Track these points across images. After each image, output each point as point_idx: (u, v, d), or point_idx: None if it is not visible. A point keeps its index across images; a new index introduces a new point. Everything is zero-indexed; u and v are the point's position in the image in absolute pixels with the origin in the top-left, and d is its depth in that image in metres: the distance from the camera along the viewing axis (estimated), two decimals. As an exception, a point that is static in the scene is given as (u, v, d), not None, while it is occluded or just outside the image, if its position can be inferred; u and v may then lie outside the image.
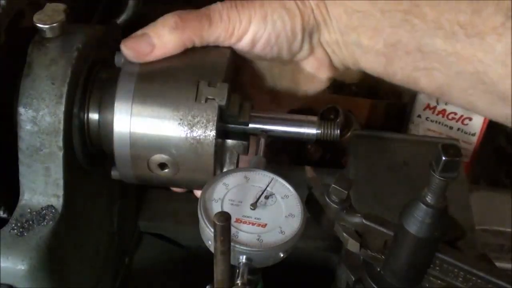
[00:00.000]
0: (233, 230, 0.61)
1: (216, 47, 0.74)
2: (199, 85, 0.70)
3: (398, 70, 0.72)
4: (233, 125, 0.74)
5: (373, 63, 0.73)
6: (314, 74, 0.79)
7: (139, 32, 0.72)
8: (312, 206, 0.67)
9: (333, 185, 0.65)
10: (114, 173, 0.76)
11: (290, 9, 0.73)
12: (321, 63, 0.78)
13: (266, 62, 0.80)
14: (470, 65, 0.65)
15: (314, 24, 0.74)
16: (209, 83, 0.70)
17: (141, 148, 0.71)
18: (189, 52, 0.73)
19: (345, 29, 0.73)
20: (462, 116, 1.13)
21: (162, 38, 0.71)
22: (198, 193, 0.81)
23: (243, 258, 0.62)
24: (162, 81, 0.71)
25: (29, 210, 0.69)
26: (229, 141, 0.75)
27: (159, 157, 0.71)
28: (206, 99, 0.69)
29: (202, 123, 0.69)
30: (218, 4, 0.73)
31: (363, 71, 0.76)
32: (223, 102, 0.69)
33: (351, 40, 0.73)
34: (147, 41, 0.71)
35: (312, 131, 0.75)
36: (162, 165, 0.72)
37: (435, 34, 0.66)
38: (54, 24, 0.69)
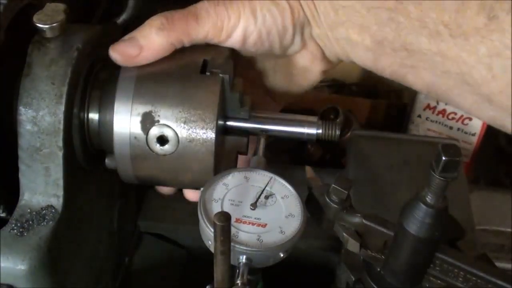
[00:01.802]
0: (233, 230, 0.61)
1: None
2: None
3: (386, 66, 0.72)
4: (233, 122, 0.74)
5: (363, 58, 0.74)
6: (308, 67, 0.79)
7: (127, 36, 0.72)
8: (312, 206, 0.67)
9: (333, 185, 0.65)
10: (108, 162, 0.75)
11: (279, 4, 0.73)
12: (314, 56, 0.78)
13: (259, 57, 0.80)
14: (455, 66, 0.65)
15: (304, 18, 0.74)
16: None
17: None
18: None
19: (333, 24, 0.73)
20: (462, 116, 1.13)
21: (149, 40, 0.70)
22: (188, 194, 0.81)
23: (243, 258, 0.62)
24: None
25: (29, 210, 0.69)
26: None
27: (158, 131, 0.70)
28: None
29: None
30: (205, 1, 0.72)
31: (356, 63, 0.76)
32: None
33: (340, 35, 0.73)
34: (134, 44, 0.71)
35: (312, 131, 0.75)
36: (162, 140, 0.71)
37: (420, 32, 0.66)
38: (54, 24, 0.69)
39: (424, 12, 0.65)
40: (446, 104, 1.12)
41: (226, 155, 0.76)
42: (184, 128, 0.69)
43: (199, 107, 0.69)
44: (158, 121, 0.69)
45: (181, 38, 0.71)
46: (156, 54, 0.71)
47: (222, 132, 0.74)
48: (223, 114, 0.74)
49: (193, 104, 0.69)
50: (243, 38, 0.73)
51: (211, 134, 0.69)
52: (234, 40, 0.73)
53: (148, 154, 0.71)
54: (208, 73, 0.71)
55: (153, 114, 0.70)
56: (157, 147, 0.70)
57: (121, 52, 0.71)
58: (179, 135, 0.69)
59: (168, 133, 0.70)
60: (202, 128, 0.69)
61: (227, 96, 0.73)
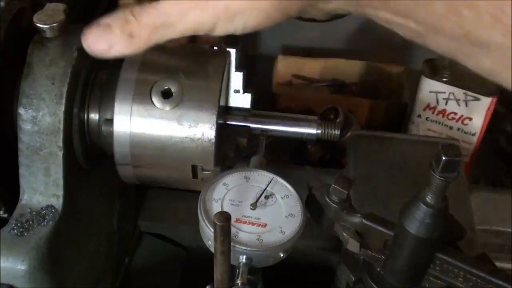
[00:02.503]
0: (233, 230, 0.61)
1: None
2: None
3: (438, 45, 0.60)
4: (233, 122, 0.74)
5: (404, 33, 0.62)
6: None
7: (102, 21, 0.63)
8: (312, 206, 0.67)
9: (333, 185, 0.65)
10: (105, 128, 0.72)
11: None
12: None
13: None
14: None
15: None
16: None
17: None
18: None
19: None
20: (462, 116, 1.13)
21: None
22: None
23: (243, 258, 0.62)
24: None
25: (29, 210, 0.69)
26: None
27: (162, 84, 0.69)
28: None
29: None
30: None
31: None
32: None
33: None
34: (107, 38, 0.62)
35: (312, 131, 0.75)
36: (166, 94, 0.70)
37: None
38: (54, 24, 0.69)
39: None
40: (446, 104, 1.12)
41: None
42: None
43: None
44: None
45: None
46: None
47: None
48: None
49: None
50: None
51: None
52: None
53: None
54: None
55: None
56: (160, 101, 0.70)
57: (92, 46, 0.63)
58: None
59: (174, 87, 0.69)
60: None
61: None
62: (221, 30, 0.61)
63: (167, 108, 0.69)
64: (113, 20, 0.62)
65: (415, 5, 0.55)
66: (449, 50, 0.60)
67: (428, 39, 0.60)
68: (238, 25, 0.60)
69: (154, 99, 0.69)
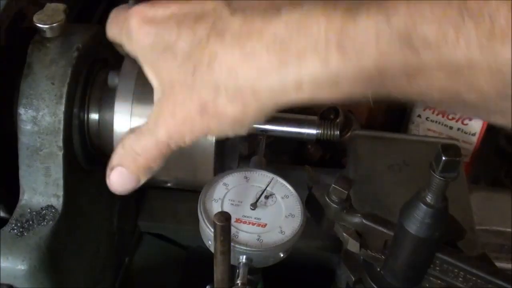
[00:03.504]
0: (233, 230, 0.61)
1: None
2: None
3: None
4: None
5: None
6: None
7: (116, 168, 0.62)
8: (312, 206, 0.67)
9: (333, 185, 0.65)
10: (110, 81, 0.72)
11: None
12: None
13: None
14: None
15: None
16: None
17: None
18: None
19: None
20: (462, 116, 1.13)
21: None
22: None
23: (243, 258, 0.62)
24: None
25: (29, 210, 0.69)
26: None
27: None
28: None
29: None
30: None
31: None
32: None
33: None
34: (131, 179, 0.62)
35: (312, 131, 0.75)
36: None
37: None
38: (54, 24, 0.69)
39: None
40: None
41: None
42: None
43: None
44: None
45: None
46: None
47: None
48: None
49: None
50: None
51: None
52: None
53: None
54: None
55: None
56: None
57: (124, 189, 0.63)
58: None
59: None
60: None
61: None
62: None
63: None
64: (123, 161, 0.61)
65: (407, 95, 0.51)
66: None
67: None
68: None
69: None
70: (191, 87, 0.56)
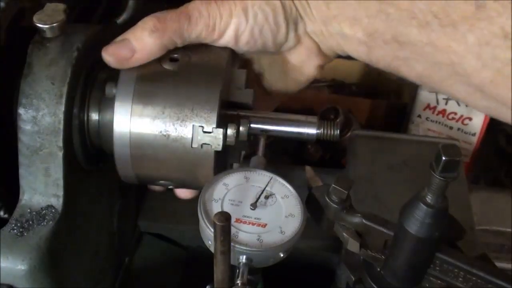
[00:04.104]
0: (233, 230, 0.61)
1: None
2: None
3: (380, 59, 0.72)
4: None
5: (357, 51, 0.74)
6: (304, 62, 0.79)
7: (119, 38, 0.72)
8: (312, 206, 0.67)
9: (333, 185, 0.65)
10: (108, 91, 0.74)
11: (270, 1, 0.73)
12: (310, 51, 0.78)
13: (254, 56, 0.80)
14: (445, 56, 0.65)
15: (297, 14, 0.74)
16: None
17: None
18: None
19: (326, 19, 0.73)
20: (462, 116, 1.13)
21: (142, 42, 0.70)
22: (179, 192, 0.80)
23: (243, 258, 0.62)
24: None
25: (29, 210, 0.69)
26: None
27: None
28: None
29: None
30: (197, 1, 0.72)
31: (352, 57, 0.76)
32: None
33: (333, 29, 0.73)
34: (128, 46, 0.70)
35: (312, 131, 0.75)
36: (173, 58, 0.72)
37: (409, 23, 0.66)
38: (54, 24, 0.69)
39: (413, 2, 0.65)
40: (446, 103, 1.12)
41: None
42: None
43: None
44: None
45: (174, 39, 0.71)
46: (149, 56, 0.71)
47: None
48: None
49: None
50: (235, 37, 0.73)
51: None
52: (226, 39, 0.73)
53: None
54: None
55: None
56: (167, 63, 0.72)
57: (114, 54, 0.71)
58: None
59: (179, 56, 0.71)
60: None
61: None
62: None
63: None
64: (133, 29, 0.72)
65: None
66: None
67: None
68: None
69: None
70: None
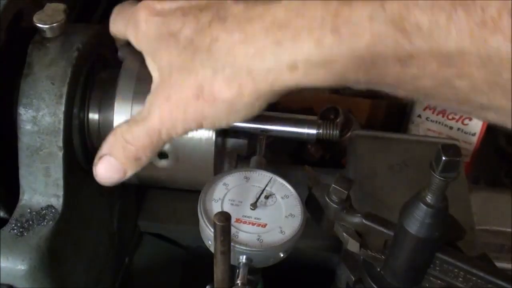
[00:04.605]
0: (233, 230, 0.61)
1: None
2: None
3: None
4: None
5: None
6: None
7: (104, 158, 0.64)
8: (312, 206, 0.67)
9: (333, 185, 0.65)
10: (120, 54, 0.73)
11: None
12: None
13: None
14: None
15: None
16: None
17: None
18: None
19: None
20: (462, 116, 1.13)
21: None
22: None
23: (243, 258, 0.62)
24: None
25: (29, 210, 0.69)
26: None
27: None
28: None
29: None
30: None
31: None
32: None
33: None
34: (117, 170, 0.63)
35: (312, 131, 0.75)
36: (162, 154, 0.71)
37: None
38: (54, 24, 0.69)
39: None
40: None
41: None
42: None
43: None
44: None
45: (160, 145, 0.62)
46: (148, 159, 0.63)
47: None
48: None
49: None
50: None
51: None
52: None
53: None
54: None
55: None
56: (156, 160, 0.71)
57: (109, 180, 0.65)
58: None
59: (166, 147, 0.69)
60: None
61: None
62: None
63: None
64: (112, 150, 0.62)
65: (400, 82, 0.52)
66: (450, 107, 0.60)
67: (424, 100, 0.60)
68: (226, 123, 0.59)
69: None
70: (189, 71, 0.57)
